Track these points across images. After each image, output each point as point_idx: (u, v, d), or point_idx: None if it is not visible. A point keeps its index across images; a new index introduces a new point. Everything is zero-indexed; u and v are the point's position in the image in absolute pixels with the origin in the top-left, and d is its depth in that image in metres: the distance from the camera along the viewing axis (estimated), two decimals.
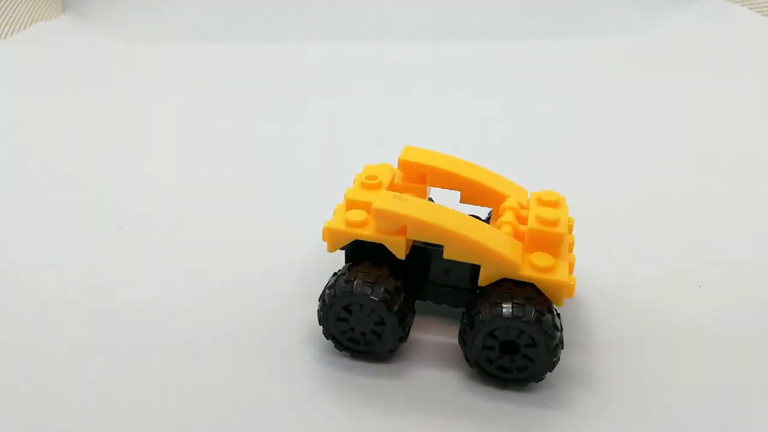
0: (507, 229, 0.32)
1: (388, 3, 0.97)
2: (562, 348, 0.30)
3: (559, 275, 0.30)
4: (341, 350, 0.33)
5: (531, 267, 0.30)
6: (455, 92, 0.76)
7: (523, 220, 0.33)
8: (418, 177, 0.37)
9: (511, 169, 0.54)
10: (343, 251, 0.34)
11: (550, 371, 0.30)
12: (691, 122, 0.66)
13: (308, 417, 0.29)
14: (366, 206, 0.33)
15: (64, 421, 0.29)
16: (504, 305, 0.29)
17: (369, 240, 0.32)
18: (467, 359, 0.31)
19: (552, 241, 0.31)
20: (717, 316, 0.37)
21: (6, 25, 0.88)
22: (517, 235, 0.32)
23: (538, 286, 0.30)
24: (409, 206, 0.31)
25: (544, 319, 0.29)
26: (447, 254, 0.31)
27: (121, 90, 0.74)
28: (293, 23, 0.94)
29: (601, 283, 0.39)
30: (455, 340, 0.32)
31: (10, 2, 0.89)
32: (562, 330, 0.30)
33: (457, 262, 0.31)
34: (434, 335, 0.34)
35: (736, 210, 0.49)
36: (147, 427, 0.29)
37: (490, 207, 0.37)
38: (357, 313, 0.31)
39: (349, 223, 0.32)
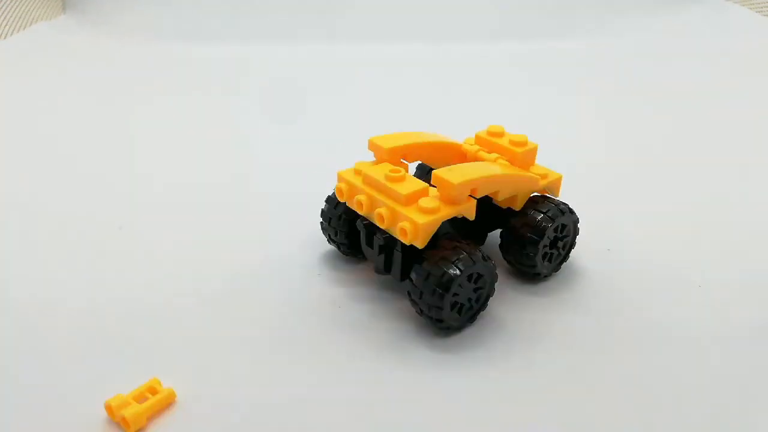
0: (503, 161, 0.38)
1: (387, 3, 0.97)
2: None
3: (554, 175, 0.39)
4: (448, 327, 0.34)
5: (540, 178, 0.38)
6: (455, 92, 0.76)
7: (493, 150, 0.39)
8: (397, 161, 0.38)
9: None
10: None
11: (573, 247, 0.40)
12: (691, 122, 0.66)
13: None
14: (412, 197, 0.33)
15: (62, 420, 0.29)
16: (551, 210, 0.37)
17: (455, 215, 0.33)
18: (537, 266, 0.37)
19: (533, 155, 0.39)
20: (717, 316, 0.37)
21: (6, 25, 0.88)
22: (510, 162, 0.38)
23: (548, 191, 0.39)
24: (470, 171, 0.34)
25: (566, 207, 0.38)
26: (500, 197, 0.35)
27: (121, 90, 0.74)
28: (293, 23, 0.94)
29: (601, 283, 0.39)
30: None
31: (10, 2, 0.89)
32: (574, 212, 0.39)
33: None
34: None
35: (736, 210, 0.49)
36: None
37: (450, 162, 0.40)
38: (465, 287, 0.33)
39: (432, 211, 0.33)
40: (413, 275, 0.33)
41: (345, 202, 0.37)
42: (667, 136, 0.63)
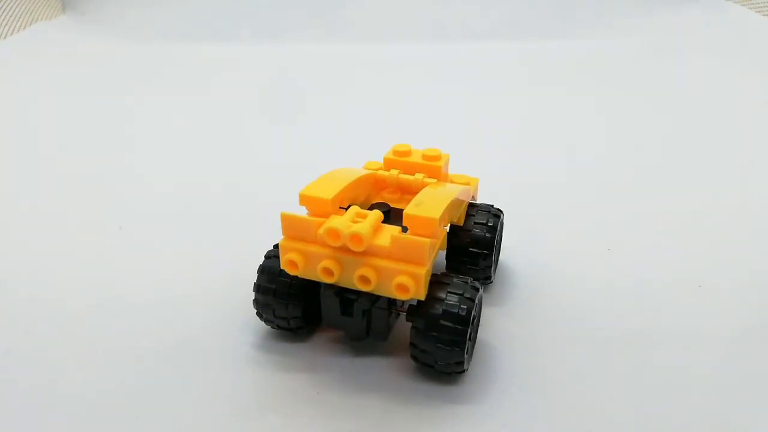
0: (431, 180, 0.36)
1: (386, 3, 0.97)
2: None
3: (474, 179, 0.39)
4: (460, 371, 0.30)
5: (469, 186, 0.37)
6: (454, 92, 0.76)
7: (410, 171, 0.37)
8: (339, 209, 0.33)
9: (509, 169, 0.55)
10: None
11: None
12: (691, 122, 0.66)
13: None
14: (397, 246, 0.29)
15: (60, 419, 0.29)
16: (490, 219, 0.37)
17: (439, 249, 0.32)
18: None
19: (448, 164, 0.38)
20: (717, 316, 0.37)
21: (6, 25, 0.88)
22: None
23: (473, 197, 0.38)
24: (437, 204, 0.31)
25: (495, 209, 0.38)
26: (455, 217, 0.35)
27: (121, 89, 0.74)
28: (293, 24, 0.94)
29: (600, 282, 0.39)
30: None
31: (10, 2, 0.89)
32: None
33: None
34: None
35: (736, 210, 0.49)
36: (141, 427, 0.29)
37: (376, 196, 0.37)
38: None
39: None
40: (419, 323, 0.29)
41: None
42: (666, 136, 0.63)
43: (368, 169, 0.38)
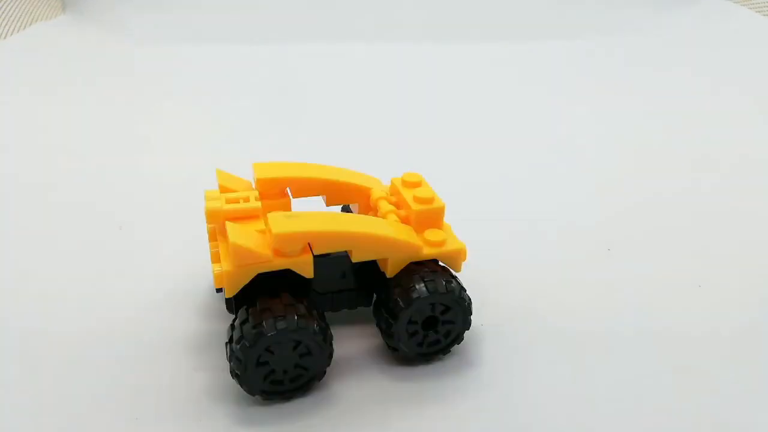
0: (393, 217, 0.33)
1: (383, 3, 0.97)
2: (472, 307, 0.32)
3: (455, 245, 0.32)
4: (271, 400, 0.30)
5: (429, 245, 0.32)
6: (453, 92, 0.76)
7: (398, 206, 0.34)
8: (279, 192, 0.35)
9: (507, 168, 0.55)
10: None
11: (468, 329, 0.32)
12: (691, 122, 0.66)
13: None
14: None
15: (57, 419, 0.29)
16: (417, 286, 0.30)
17: (275, 269, 0.29)
18: (396, 349, 0.31)
19: (436, 216, 0.33)
20: (717, 316, 0.37)
21: (6, 25, 0.88)
22: (403, 220, 0.33)
23: (439, 260, 0.32)
24: (306, 222, 0.29)
25: (453, 286, 0.31)
26: (356, 257, 0.30)
27: (121, 90, 0.74)
28: (293, 24, 0.94)
29: (600, 282, 0.39)
30: (369, 339, 0.33)
31: (10, 2, 0.89)
32: (465, 290, 0.32)
33: (354, 263, 0.31)
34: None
35: (736, 210, 0.49)
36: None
37: (355, 203, 0.36)
38: (278, 354, 0.28)
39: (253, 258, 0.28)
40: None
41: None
42: (666, 135, 0.63)
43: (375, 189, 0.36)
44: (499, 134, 0.63)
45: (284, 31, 0.92)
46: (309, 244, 0.30)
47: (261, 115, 0.67)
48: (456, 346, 0.33)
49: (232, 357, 0.28)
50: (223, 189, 0.34)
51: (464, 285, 0.33)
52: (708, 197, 0.51)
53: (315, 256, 0.30)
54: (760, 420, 0.30)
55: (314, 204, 0.39)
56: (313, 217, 0.30)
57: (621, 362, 0.33)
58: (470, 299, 0.32)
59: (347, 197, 0.36)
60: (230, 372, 0.29)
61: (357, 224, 0.30)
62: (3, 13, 0.88)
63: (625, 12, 0.98)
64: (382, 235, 0.30)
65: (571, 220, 0.47)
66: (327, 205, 0.36)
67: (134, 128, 0.63)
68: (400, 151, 0.58)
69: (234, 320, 0.29)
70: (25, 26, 0.91)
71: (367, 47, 0.89)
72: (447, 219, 0.34)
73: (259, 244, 0.29)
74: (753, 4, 1.02)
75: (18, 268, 0.40)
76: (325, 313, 0.32)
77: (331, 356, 0.30)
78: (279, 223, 0.29)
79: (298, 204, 0.37)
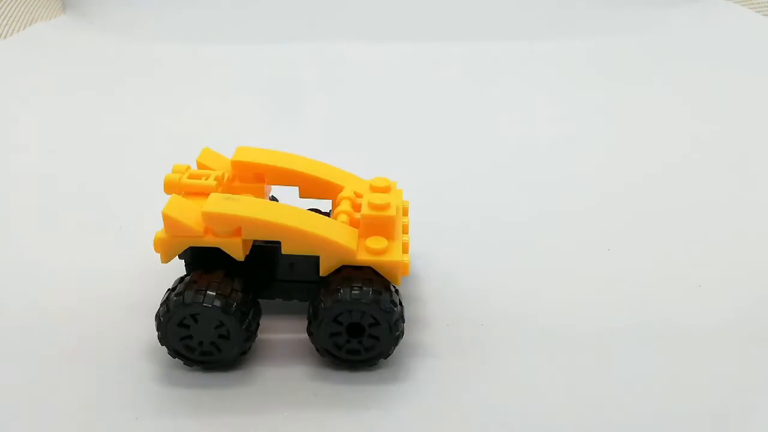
0: (343, 218, 0.33)
1: (383, 4, 0.97)
2: (403, 322, 0.31)
3: (393, 256, 0.31)
4: (192, 366, 0.31)
5: (367, 251, 0.31)
6: (453, 92, 0.76)
7: (358, 208, 0.34)
8: (254, 176, 0.36)
9: (506, 168, 0.55)
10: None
11: (396, 346, 0.31)
12: (690, 122, 0.66)
13: None
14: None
15: (54, 419, 0.29)
16: (342, 290, 0.30)
17: (204, 245, 0.31)
18: (317, 349, 0.31)
19: (385, 224, 0.32)
20: (717, 316, 0.37)
21: (6, 25, 0.88)
22: (353, 223, 0.33)
23: (375, 269, 0.31)
24: (240, 206, 0.30)
25: (381, 298, 0.30)
26: (285, 249, 0.31)
27: (121, 90, 0.74)
28: (293, 24, 0.94)
29: (599, 281, 0.39)
30: (304, 334, 0.33)
31: (10, 2, 0.89)
32: (401, 306, 0.31)
33: (300, 255, 0.31)
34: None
35: (736, 211, 0.49)
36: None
37: (329, 199, 0.37)
38: (196, 325, 0.30)
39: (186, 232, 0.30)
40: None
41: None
42: (665, 135, 0.63)
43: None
44: (498, 134, 0.63)
45: (284, 31, 0.92)
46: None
47: (261, 115, 0.67)
48: (455, 345, 0.33)
49: (156, 316, 0.30)
50: (201, 166, 0.36)
51: (464, 285, 0.33)
52: (708, 197, 0.51)
53: (255, 243, 0.32)
54: (759, 419, 0.30)
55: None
56: (249, 203, 0.31)
57: (620, 362, 0.33)
58: (401, 315, 0.31)
59: (319, 192, 0.37)
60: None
61: (289, 217, 0.31)
62: (3, 13, 0.88)
63: (623, 11, 0.98)
64: (311, 231, 0.30)
65: (571, 220, 0.47)
66: (300, 197, 0.37)
67: (134, 128, 0.63)
68: (400, 151, 0.58)
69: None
70: (25, 26, 0.91)
71: (367, 47, 0.89)
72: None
73: (195, 220, 0.30)
74: (753, 4, 1.02)
75: (18, 268, 0.40)
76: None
77: (248, 341, 0.31)
78: (212, 203, 0.30)
79: (279, 193, 0.38)
